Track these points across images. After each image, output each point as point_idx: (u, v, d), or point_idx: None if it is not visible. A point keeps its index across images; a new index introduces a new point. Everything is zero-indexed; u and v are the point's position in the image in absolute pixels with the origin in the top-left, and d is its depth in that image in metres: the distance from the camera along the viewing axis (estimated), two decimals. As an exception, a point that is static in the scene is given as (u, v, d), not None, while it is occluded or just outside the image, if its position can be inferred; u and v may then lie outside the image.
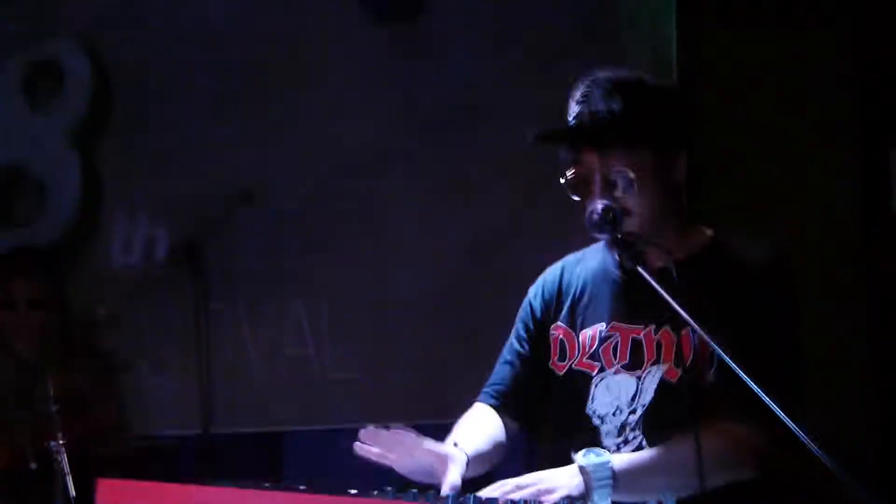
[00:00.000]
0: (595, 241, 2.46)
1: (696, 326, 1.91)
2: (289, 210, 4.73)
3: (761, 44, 4.60)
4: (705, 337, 1.90)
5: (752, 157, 4.63)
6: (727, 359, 1.86)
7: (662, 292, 1.98)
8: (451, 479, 2.16)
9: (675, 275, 2.07)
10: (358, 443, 2.20)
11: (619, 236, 2.18)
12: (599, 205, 2.20)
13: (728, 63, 4.67)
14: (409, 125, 4.71)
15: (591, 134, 2.30)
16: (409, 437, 2.20)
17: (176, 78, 4.83)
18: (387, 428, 2.20)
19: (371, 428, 2.19)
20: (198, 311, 4.26)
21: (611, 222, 2.19)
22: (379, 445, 2.20)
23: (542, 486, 2.05)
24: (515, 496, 2.02)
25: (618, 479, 2.10)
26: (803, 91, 4.65)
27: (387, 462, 2.20)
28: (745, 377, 1.81)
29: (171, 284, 4.53)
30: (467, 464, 2.24)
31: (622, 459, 2.17)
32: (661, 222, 2.31)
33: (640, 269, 2.08)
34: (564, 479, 2.09)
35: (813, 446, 1.69)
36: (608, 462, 2.12)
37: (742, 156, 4.60)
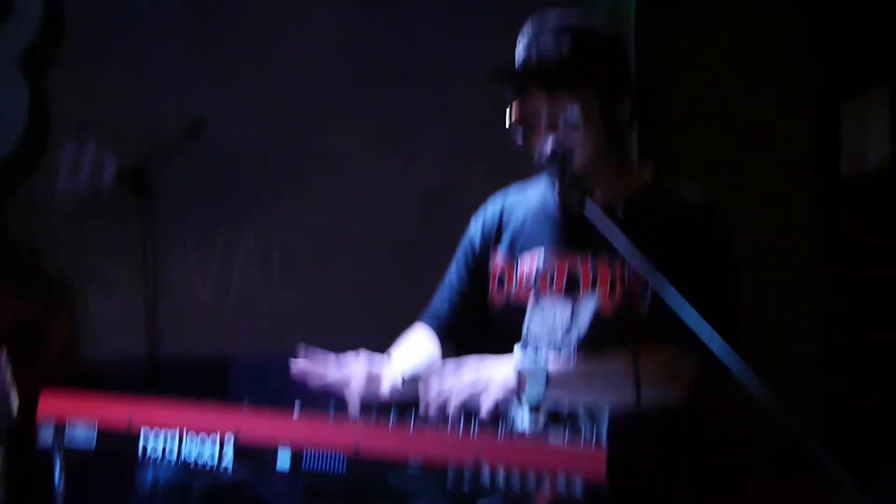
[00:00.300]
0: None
1: (633, 258, 1.94)
2: (242, 141, 4.70)
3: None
4: (641, 267, 1.92)
5: (705, 111, 4.68)
6: (662, 287, 1.88)
7: (602, 231, 2.00)
8: (386, 391, 2.20)
9: (619, 213, 2.10)
10: (297, 364, 2.23)
11: (568, 178, 2.20)
12: (549, 145, 2.22)
13: (684, 16, 4.71)
14: (367, 70, 4.70)
15: (538, 73, 2.31)
16: (347, 356, 2.23)
17: (131, 6, 4.76)
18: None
19: (310, 347, 2.23)
20: (145, 236, 4.24)
21: (560, 163, 2.21)
22: (318, 364, 2.23)
23: (478, 385, 2.07)
24: (453, 403, 2.04)
25: (551, 383, 2.13)
26: (757, 44, 4.70)
27: (324, 381, 2.22)
28: (679, 306, 1.84)
29: (118, 210, 4.51)
30: (403, 383, 2.27)
31: (558, 367, 2.20)
32: (604, 162, 2.34)
33: (586, 209, 2.09)
34: (499, 376, 2.11)
35: (744, 377, 1.73)
36: (544, 367, 2.15)
37: (695, 109, 4.64)
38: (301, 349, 2.23)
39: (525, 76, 2.33)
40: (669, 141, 4.48)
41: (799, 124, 4.77)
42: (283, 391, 2.27)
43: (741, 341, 2.13)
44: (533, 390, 2.10)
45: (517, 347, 2.25)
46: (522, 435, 1.75)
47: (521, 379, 2.12)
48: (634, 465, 1.64)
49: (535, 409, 2.17)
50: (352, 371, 2.22)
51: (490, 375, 2.11)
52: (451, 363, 2.17)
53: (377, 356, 2.30)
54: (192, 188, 4.66)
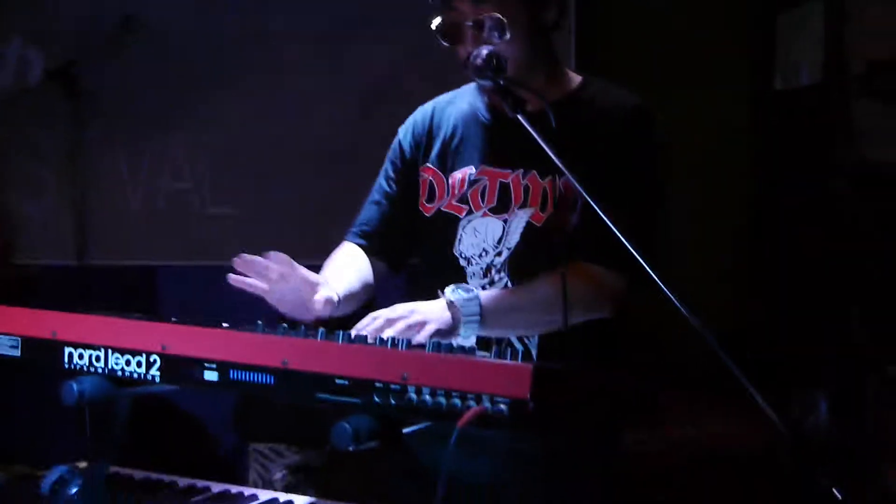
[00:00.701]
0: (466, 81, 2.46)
1: (564, 169, 1.94)
2: (173, 41, 4.59)
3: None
4: (571, 180, 1.92)
5: (643, 22, 4.66)
6: (591, 202, 1.88)
7: (538, 137, 1.99)
8: (319, 306, 2.18)
9: (552, 120, 2.08)
10: (231, 274, 2.19)
11: (501, 83, 2.18)
12: (484, 50, 2.19)
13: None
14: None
15: None
16: (283, 262, 2.19)
17: None
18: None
19: (245, 255, 2.17)
20: (73, 138, 4.16)
21: (494, 68, 2.18)
22: (253, 273, 2.18)
23: (413, 320, 2.09)
24: (387, 333, 2.06)
25: (485, 314, 2.15)
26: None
27: (259, 291, 2.19)
28: (606, 220, 1.85)
29: (46, 110, 4.41)
30: (338, 302, 2.27)
31: (489, 295, 2.22)
32: (532, 67, 2.32)
33: (519, 118, 2.09)
34: (435, 311, 2.13)
35: (668, 290, 1.75)
36: (476, 297, 2.17)
37: (632, 20, 4.62)
38: (239, 256, 2.19)
39: None
40: (607, 55, 4.47)
41: (735, 37, 4.79)
42: (211, 304, 2.26)
43: (668, 253, 2.17)
44: (469, 326, 2.12)
45: (448, 288, 2.25)
46: (449, 352, 1.75)
47: (454, 315, 2.12)
48: (560, 380, 1.65)
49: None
50: (291, 280, 2.19)
51: (426, 311, 2.11)
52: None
53: (311, 274, 2.27)
54: (124, 88, 4.56)
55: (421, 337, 2.05)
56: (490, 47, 2.21)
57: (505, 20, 2.25)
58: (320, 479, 4.06)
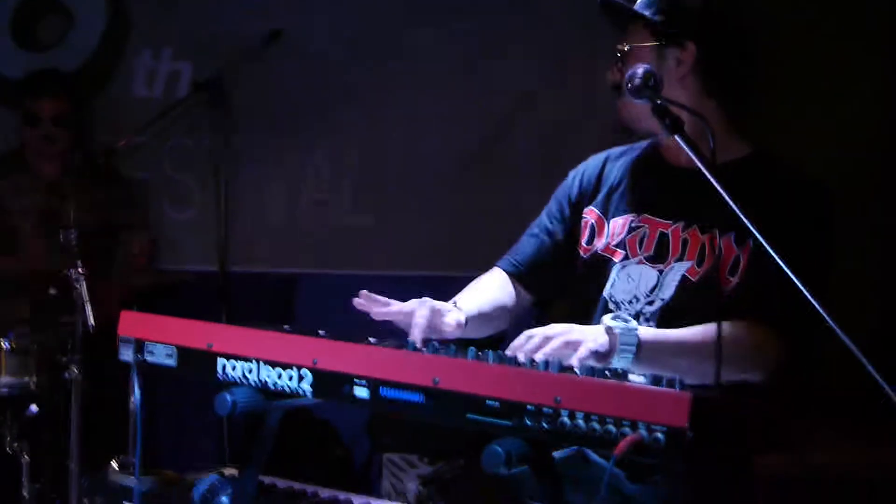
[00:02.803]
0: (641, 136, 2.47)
1: (746, 221, 1.89)
2: (318, 55, 4.66)
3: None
4: (756, 234, 1.88)
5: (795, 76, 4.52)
6: (778, 259, 1.85)
7: (719, 187, 1.95)
8: (448, 328, 2.24)
9: (723, 176, 2.03)
10: (357, 299, 2.25)
11: (659, 101, 2.15)
12: (640, 69, 2.16)
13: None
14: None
15: (646, 14, 2.32)
16: (411, 302, 2.25)
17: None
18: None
19: (365, 294, 2.25)
20: (218, 148, 4.25)
21: (652, 87, 2.15)
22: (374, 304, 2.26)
23: (569, 338, 2.06)
24: (543, 350, 2.04)
25: (641, 349, 2.11)
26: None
27: (386, 316, 2.25)
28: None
29: (193, 121, 4.52)
30: (466, 323, 2.29)
31: (648, 331, 2.19)
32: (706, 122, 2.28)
33: (677, 138, 2.05)
34: (592, 333, 2.10)
35: (851, 344, 1.70)
36: (636, 329, 2.14)
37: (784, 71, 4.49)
38: (363, 295, 2.23)
39: (634, 14, 2.33)
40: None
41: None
42: (350, 314, 2.29)
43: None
44: (623, 356, 2.08)
45: (607, 316, 2.23)
46: (604, 377, 1.72)
47: (611, 341, 2.09)
48: (718, 409, 1.61)
49: None
50: (415, 307, 2.22)
51: (583, 332, 2.09)
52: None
53: (438, 303, 2.30)
54: (268, 98, 4.65)
55: (578, 357, 2.02)
56: (647, 66, 2.18)
57: (681, 63, 2.30)
58: (453, 492, 4.06)
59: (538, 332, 2.08)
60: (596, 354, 2.06)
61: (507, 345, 2.10)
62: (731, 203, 1.93)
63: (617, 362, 2.09)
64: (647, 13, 2.33)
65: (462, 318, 2.30)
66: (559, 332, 2.07)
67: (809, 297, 1.80)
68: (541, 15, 4.52)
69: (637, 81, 2.14)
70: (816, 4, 4.47)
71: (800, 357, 2.06)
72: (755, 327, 2.18)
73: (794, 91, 4.40)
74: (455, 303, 2.37)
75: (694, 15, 2.35)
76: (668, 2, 2.33)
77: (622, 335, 2.10)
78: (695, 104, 2.25)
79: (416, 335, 2.18)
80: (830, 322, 1.76)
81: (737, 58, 2.36)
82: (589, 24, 2.37)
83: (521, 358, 1.95)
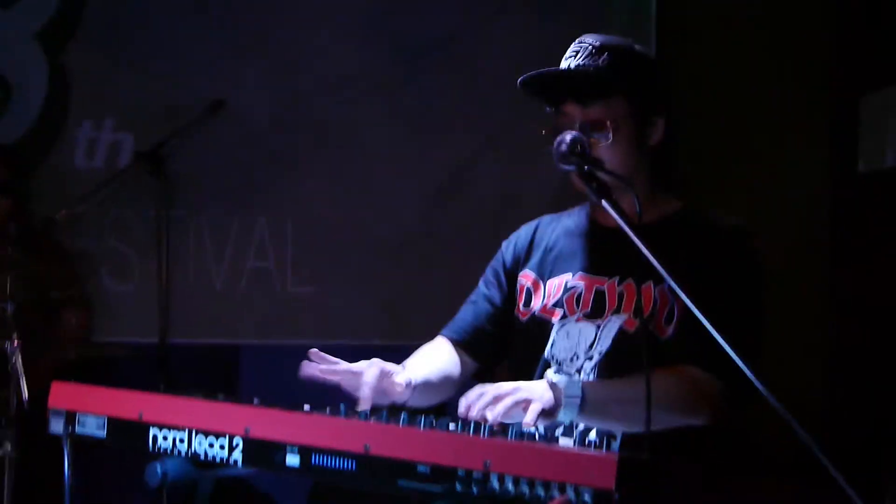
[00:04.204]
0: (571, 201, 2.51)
1: (665, 275, 1.93)
2: (259, 125, 4.70)
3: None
4: (673, 285, 1.92)
5: (723, 108, 4.64)
6: (690, 305, 1.89)
7: (631, 233, 1.99)
8: (398, 389, 2.23)
9: (639, 218, 2.07)
10: (305, 363, 2.24)
11: (586, 168, 2.19)
12: (568, 135, 2.20)
13: (700, 11, 4.69)
14: (385, 55, 4.71)
15: (575, 83, 2.34)
16: (360, 363, 2.24)
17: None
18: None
19: (316, 352, 2.25)
20: (160, 219, 4.24)
21: (578, 154, 2.19)
22: (326, 368, 2.25)
23: (519, 397, 2.06)
24: (495, 409, 2.02)
25: (586, 400, 2.11)
26: (775, 41, 4.67)
27: (335, 380, 2.23)
28: (708, 326, 1.85)
29: (134, 191, 4.51)
30: (413, 388, 2.30)
31: (592, 382, 2.21)
32: (631, 180, 2.32)
33: (605, 204, 2.09)
34: (537, 391, 2.10)
35: (771, 397, 1.73)
36: (579, 381, 2.16)
37: (713, 106, 4.61)
38: (313, 354, 2.23)
39: (561, 85, 2.36)
40: (689, 136, 4.46)
41: (817, 121, 4.74)
42: (293, 383, 2.28)
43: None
44: (568, 409, 2.09)
45: (550, 370, 2.26)
46: (533, 440, 1.74)
47: (556, 395, 2.09)
48: (647, 471, 1.62)
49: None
50: (364, 371, 2.22)
51: (530, 389, 2.09)
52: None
53: (388, 364, 2.29)
54: (208, 168, 4.67)
55: (529, 416, 2.02)
56: (575, 133, 2.22)
57: (610, 127, 2.29)
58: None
59: (489, 389, 2.08)
60: (543, 413, 2.05)
61: (449, 413, 2.10)
62: (651, 259, 1.96)
63: (563, 416, 2.08)
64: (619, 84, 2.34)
65: (411, 379, 2.30)
66: (508, 391, 2.07)
67: (727, 347, 1.84)
68: (480, 86, 4.61)
69: (564, 148, 2.18)
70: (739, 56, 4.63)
71: (739, 397, 2.08)
72: (693, 370, 2.20)
73: (718, 147, 4.53)
74: (404, 366, 2.37)
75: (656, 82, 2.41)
76: (623, 66, 2.35)
77: (566, 388, 2.10)
78: (628, 156, 2.31)
79: (364, 394, 2.17)
80: (750, 374, 1.80)
81: (670, 118, 2.41)
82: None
83: (474, 414, 1.95)
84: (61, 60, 4.72)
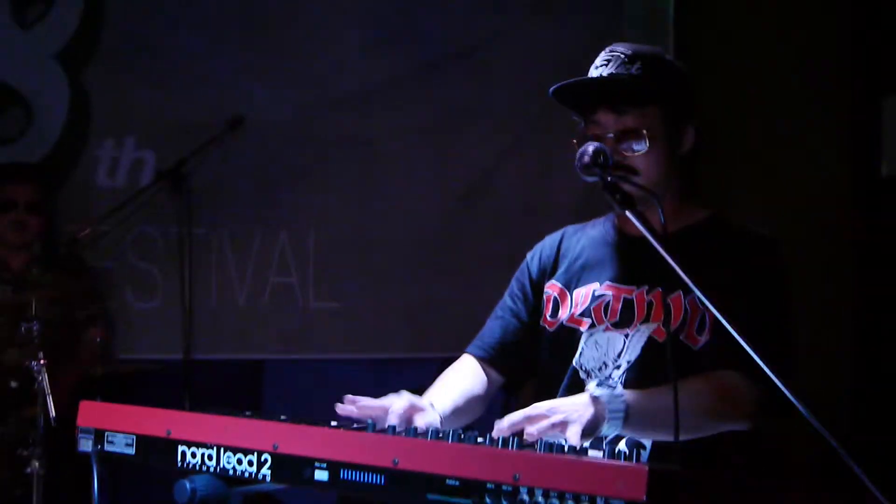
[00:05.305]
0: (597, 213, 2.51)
1: (692, 286, 1.92)
2: (278, 140, 4.72)
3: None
4: (701, 296, 1.91)
5: (744, 112, 4.63)
6: (720, 317, 1.88)
7: (658, 246, 1.98)
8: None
9: (664, 229, 2.06)
10: (339, 405, 2.19)
11: (609, 178, 2.17)
12: (591, 147, 2.19)
13: (721, 11, 4.67)
14: (403, 67, 4.72)
15: (610, 91, 2.33)
16: (389, 397, 2.22)
17: (170, 1, 4.79)
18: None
19: (348, 399, 2.20)
20: (182, 235, 4.26)
21: (601, 165, 2.18)
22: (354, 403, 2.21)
23: (556, 419, 2.02)
24: (528, 430, 1.98)
25: (629, 413, 2.09)
26: (796, 43, 4.65)
27: (369, 412, 2.19)
28: (737, 335, 1.84)
29: (156, 208, 4.53)
30: (441, 423, 2.27)
31: (634, 394, 2.16)
32: (663, 188, 2.31)
33: (628, 214, 2.08)
34: (578, 408, 2.05)
35: (800, 405, 1.72)
36: (622, 395, 2.12)
37: (734, 109, 4.59)
38: (346, 399, 2.19)
39: (595, 96, 2.34)
40: (710, 140, 4.45)
41: (840, 125, 4.72)
42: (314, 397, 2.27)
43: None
44: (613, 423, 2.06)
45: (592, 383, 2.24)
46: (562, 452, 1.73)
47: (598, 410, 2.05)
48: (677, 483, 1.61)
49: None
50: (393, 402, 2.20)
51: (568, 407, 2.05)
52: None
53: (416, 398, 2.27)
54: (229, 184, 4.69)
55: (573, 441, 1.96)
56: (597, 144, 2.21)
57: (645, 135, 2.29)
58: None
59: (520, 413, 2.03)
60: (584, 432, 2.01)
61: (478, 430, 2.07)
62: (676, 268, 1.95)
63: (606, 430, 2.06)
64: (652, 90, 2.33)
65: (436, 420, 2.26)
66: (543, 412, 2.03)
67: (751, 351, 1.83)
68: (498, 96, 4.62)
69: (587, 159, 2.17)
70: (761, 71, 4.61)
71: (777, 405, 2.05)
72: (730, 376, 2.19)
73: (740, 151, 4.51)
74: (432, 404, 2.32)
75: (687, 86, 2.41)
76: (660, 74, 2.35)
77: (610, 403, 2.07)
78: (660, 164, 2.31)
79: (392, 421, 2.15)
80: (779, 383, 1.79)
81: (697, 126, 2.40)
82: (550, 101, 2.37)
83: (518, 429, 1.93)
84: (81, 80, 4.75)
